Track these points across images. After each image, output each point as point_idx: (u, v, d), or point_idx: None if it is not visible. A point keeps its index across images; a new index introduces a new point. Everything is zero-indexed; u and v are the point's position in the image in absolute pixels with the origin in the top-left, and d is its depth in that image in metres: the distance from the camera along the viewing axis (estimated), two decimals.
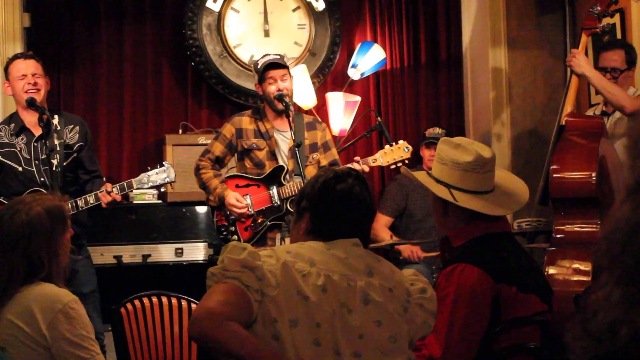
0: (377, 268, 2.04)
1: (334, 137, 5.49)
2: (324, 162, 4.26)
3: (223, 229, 4.16)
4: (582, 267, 3.55)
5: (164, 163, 4.00)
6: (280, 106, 4.09)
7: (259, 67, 4.15)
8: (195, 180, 4.25)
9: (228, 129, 4.21)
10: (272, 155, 4.16)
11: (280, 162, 4.16)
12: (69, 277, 3.18)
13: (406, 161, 4.17)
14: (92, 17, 5.49)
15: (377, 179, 5.81)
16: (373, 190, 5.74)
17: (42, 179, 3.93)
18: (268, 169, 4.14)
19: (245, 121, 4.20)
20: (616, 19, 4.82)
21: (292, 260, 1.95)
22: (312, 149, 4.23)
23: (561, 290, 3.41)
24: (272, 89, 4.10)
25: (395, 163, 4.16)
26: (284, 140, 4.19)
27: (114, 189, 3.85)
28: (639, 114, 3.70)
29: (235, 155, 4.27)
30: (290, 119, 4.03)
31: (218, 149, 4.19)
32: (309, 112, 5.62)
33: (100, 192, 3.85)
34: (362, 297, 1.95)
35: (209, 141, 4.42)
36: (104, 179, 4.26)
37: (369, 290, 1.96)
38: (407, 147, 4.18)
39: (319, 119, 4.51)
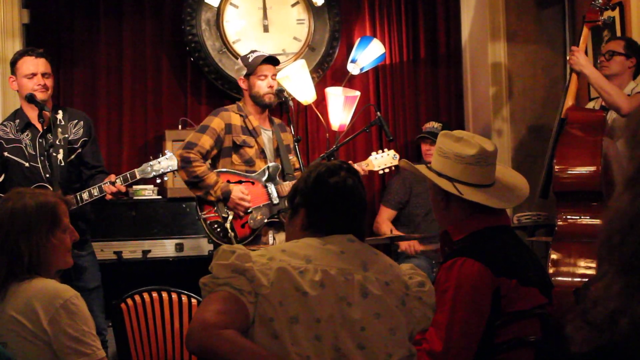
0: (374, 262, 2.03)
1: (333, 132, 5.51)
2: (297, 165, 4.23)
3: (216, 225, 4.06)
4: (584, 261, 3.55)
5: (165, 152, 3.98)
6: (268, 100, 4.09)
7: (250, 60, 4.13)
8: (180, 173, 4.06)
9: (217, 123, 4.11)
10: (262, 153, 4.13)
11: (269, 161, 4.14)
12: (74, 273, 3.19)
13: (392, 168, 4.46)
14: (92, 13, 5.48)
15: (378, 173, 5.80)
16: (374, 184, 5.75)
17: (48, 175, 3.91)
18: (257, 167, 4.10)
19: (233, 117, 4.14)
20: (615, 12, 4.82)
21: (288, 259, 1.94)
22: (288, 151, 4.23)
23: (563, 283, 3.41)
24: (261, 84, 4.10)
25: (384, 169, 4.41)
26: (268, 139, 4.18)
27: (117, 180, 3.84)
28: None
29: (217, 151, 4.14)
30: (290, 114, 4.03)
31: (208, 143, 4.06)
32: (308, 107, 5.62)
33: (104, 184, 3.84)
34: (360, 290, 1.95)
35: None
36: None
37: (366, 283, 1.96)
38: (395, 155, 4.40)
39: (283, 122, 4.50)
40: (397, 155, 4.41)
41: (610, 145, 3.81)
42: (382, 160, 4.37)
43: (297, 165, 4.20)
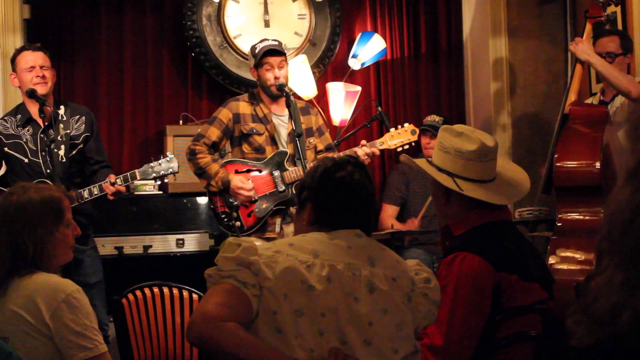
0: (381, 258, 2.03)
1: (334, 127, 5.50)
2: (320, 147, 4.25)
3: (224, 216, 4.08)
4: (585, 256, 3.55)
5: (167, 154, 4.00)
6: (276, 92, 4.09)
7: (256, 51, 4.14)
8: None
9: (225, 114, 4.14)
10: (272, 140, 4.14)
11: (280, 147, 4.14)
12: (74, 267, 3.20)
13: (413, 144, 4.24)
14: (92, 8, 5.48)
15: (378, 167, 5.80)
16: (374, 179, 5.74)
17: (49, 171, 3.92)
18: (268, 154, 4.11)
19: (242, 106, 4.16)
20: (617, 7, 4.80)
21: (295, 253, 1.94)
22: (308, 134, 4.21)
23: (564, 278, 3.41)
24: (268, 75, 4.10)
25: (402, 145, 4.20)
26: (282, 124, 4.18)
27: (117, 180, 3.85)
28: None
29: (229, 141, 4.20)
30: (291, 109, 4.02)
31: (214, 134, 4.11)
32: (309, 102, 5.62)
33: (104, 183, 3.85)
34: (367, 285, 1.95)
35: None
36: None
37: (373, 279, 1.96)
38: (414, 130, 4.23)
39: (310, 104, 4.51)
40: (417, 130, 4.24)
41: (612, 136, 3.81)
42: (398, 137, 4.20)
43: (320, 147, 4.22)
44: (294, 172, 4.05)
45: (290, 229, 4.09)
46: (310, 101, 5.54)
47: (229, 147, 4.32)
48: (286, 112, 4.13)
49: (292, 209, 4.02)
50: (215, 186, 4.04)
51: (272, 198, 4.08)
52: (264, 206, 4.06)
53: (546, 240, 4.64)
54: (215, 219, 4.18)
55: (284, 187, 4.07)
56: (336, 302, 1.90)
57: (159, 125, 5.49)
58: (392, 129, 4.24)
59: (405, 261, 2.13)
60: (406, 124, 4.26)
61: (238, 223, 4.02)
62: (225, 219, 4.07)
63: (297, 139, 3.91)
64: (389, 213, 5.25)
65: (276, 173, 4.08)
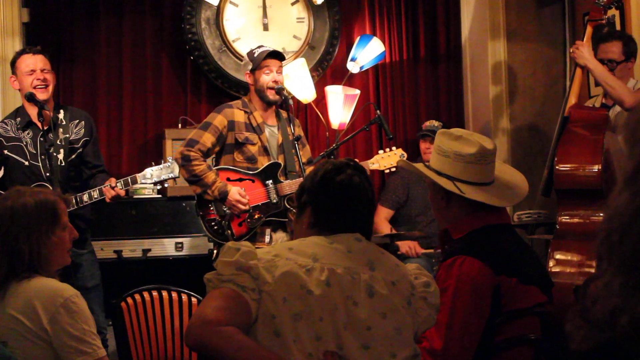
0: (380, 262, 2.03)
1: (333, 130, 5.51)
2: (303, 159, 4.21)
3: (214, 223, 4.04)
4: (585, 259, 3.55)
5: (167, 158, 3.99)
6: (272, 97, 4.08)
7: (256, 55, 4.13)
8: (180, 171, 4.01)
9: (220, 120, 4.09)
10: (265, 151, 4.12)
11: (272, 159, 4.13)
12: (73, 271, 3.19)
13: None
14: (91, 12, 5.48)
15: (377, 171, 5.80)
16: (374, 183, 5.74)
17: (48, 174, 3.92)
18: (259, 164, 4.09)
19: (237, 113, 4.13)
20: (616, 11, 4.81)
21: (295, 257, 1.94)
22: (294, 145, 4.19)
23: (563, 281, 3.41)
24: (266, 78, 4.09)
25: (390, 168, 4.29)
26: (272, 135, 4.17)
27: (117, 184, 3.85)
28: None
29: (219, 147, 4.13)
30: (290, 112, 4.02)
31: (209, 140, 4.05)
32: (308, 106, 5.62)
33: (104, 186, 3.85)
34: (367, 289, 1.95)
35: None
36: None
37: (373, 283, 1.96)
38: (402, 154, 4.29)
39: (293, 116, 4.51)
40: (405, 154, 4.33)
41: (612, 141, 3.81)
42: (388, 159, 4.27)
43: (303, 160, 4.19)
44: (288, 185, 4.03)
45: (279, 235, 4.10)
46: (309, 105, 5.55)
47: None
48: (276, 123, 4.13)
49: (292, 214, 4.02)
50: (211, 195, 3.99)
51: (265, 209, 4.06)
52: (256, 216, 4.03)
53: (545, 243, 4.65)
54: (203, 226, 4.10)
55: (277, 199, 4.06)
56: (334, 306, 1.89)
57: (158, 128, 5.49)
58: (381, 151, 4.31)
59: (405, 265, 2.13)
60: (394, 148, 4.33)
61: (229, 231, 4.00)
62: (215, 227, 4.04)
63: (295, 142, 3.90)
64: (383, 216, 5.25)
65: (270, 184, 4.07)
